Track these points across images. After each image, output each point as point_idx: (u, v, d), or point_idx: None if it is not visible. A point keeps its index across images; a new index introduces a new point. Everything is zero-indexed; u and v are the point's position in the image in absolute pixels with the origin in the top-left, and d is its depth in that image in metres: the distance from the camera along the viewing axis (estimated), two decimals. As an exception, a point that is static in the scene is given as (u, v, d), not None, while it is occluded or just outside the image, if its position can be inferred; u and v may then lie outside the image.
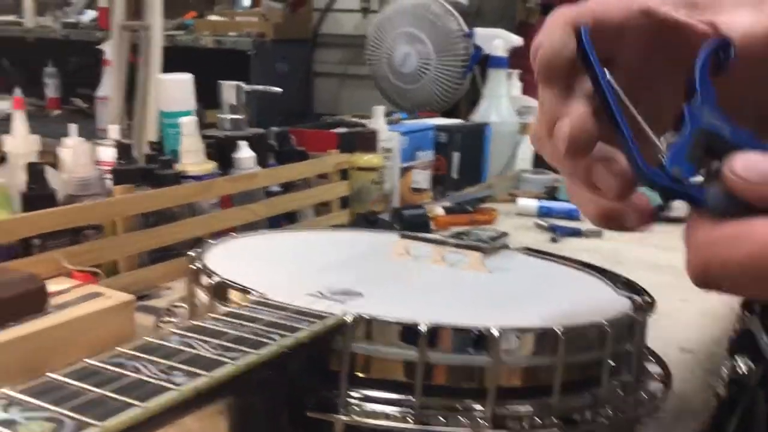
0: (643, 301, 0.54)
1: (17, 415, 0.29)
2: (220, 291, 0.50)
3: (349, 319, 0.43)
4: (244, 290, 0.48)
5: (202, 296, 0.52)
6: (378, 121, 1.19)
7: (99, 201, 0.77)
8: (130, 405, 0.30)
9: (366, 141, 1.13)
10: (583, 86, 0.37)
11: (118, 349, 0.36)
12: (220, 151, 0.95)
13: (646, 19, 0.37)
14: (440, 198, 1.29)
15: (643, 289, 0.57)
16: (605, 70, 0.36)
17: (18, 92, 3.24)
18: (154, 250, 0.84)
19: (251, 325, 0.41)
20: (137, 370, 0.34)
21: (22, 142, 0.78)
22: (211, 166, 0.91)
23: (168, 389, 0.32)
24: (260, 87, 1.09)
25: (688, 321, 0.75)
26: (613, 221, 0.39)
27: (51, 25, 3.17)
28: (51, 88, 3.18)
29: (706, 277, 0.32)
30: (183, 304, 0.63)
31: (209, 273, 0.51)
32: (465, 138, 1.33)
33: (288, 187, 1.04)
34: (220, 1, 3.04)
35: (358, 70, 2.49)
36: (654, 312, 0.53)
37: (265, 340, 0.39)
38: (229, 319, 0.42)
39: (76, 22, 3.13)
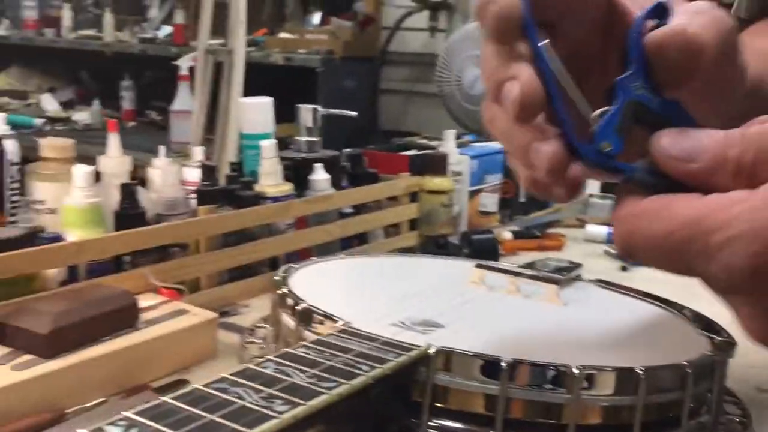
0: (722, 341, 0.54)
1: (138, 437, 0.32)
2: (306, 317, 0.52)
3: (432, 351, 0.45)
4: (331, 318, 0.50)
5: (288, 321, 0.54)
6: (448, 144, 1.21)
7: (185, 221, 0.81)
8: None
9: (436, 164, 1.14)
10: (529, 48, 0.36)
11: (223, 375, 0.38)
12: (297, 173, 0.98)
13: None
14: (507, 221, 1.30)
15: (722, 328, 0.57)
16: (546, 41, 0.35)
17: (96, 104, 3.38)
18: (233, 268, 0.87)
19: (342, 355, 0.43)
20: (241, 397, 0.36)
21: (116, 163, 0.82)
22: (288, 187, 0.94)
23: (271, 417, 0.34)
24: (336, 111, 1.12)
25: (765, 360, 0.74)
26: (540, 191, 0.39)
27: (129, 40, 3.30)
28: (127, 101, 3.31)
29: (629, 248, 0.32)
30: (265, 325, 0.66)
31: (296, 299, 0.54)
32: (534, 162, 1.33)
33: (359, 209, 1.07)
34: (290, 19, 3.12)
35: (425, 87, 2.52)
36: (734, 352, 0.53)
37: (355, 371, 0.41)
38: (319, 347, 0.44)
39: (153, 37, 3.25)
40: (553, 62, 0.35)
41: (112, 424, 0.32)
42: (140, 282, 0.74)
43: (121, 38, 3.32)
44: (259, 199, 0.90)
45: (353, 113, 1.14)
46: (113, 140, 0.82)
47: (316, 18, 3.00)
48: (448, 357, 0.45)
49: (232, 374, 0.38)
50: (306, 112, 1.04)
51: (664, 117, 0.34)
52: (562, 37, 0.38)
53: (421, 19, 2.62)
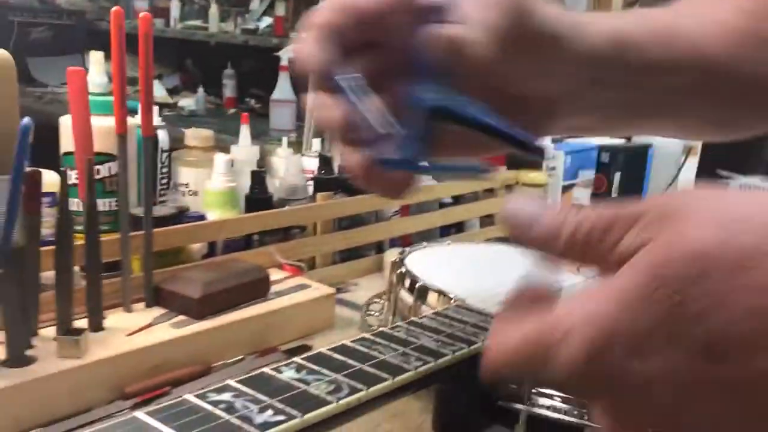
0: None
1: (307, 377, 0.40)
2: (423, 294, 0.59)
3: (538, 327, 0.51)
4: (446, 295, 0.57)
5: (406, 296, 0.62)
6: (544, 139, 1.26)
7: (306, 205, 0.90)
8: (384, 379, 0.40)
9: (533, 159, 1.20)
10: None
11: (364, 335, 0.46)
12: (402, 164, 1.06)
13: (402, 4, 0.37)
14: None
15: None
16: (352, 76, 0.36)
17: (201, 91, 3.54)
18: (344, 249, 0.96)
19: (459, 326, 0.50)
20: (381, 353, 0.44)
21: (247, 152, 0.92)
22: (395, 178, 1.02)
23: (406, 370, 0.42)
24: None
25: None
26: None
27: (232, 30, 3.46)
28: (228, 88, 3.47)
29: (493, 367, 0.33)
30: (378, 300, 0.74)
31: (413, 277, 0.61)
32: (627, 158, 1.36)
33: (458, 199, 1.14)
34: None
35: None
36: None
37: (473, 338, 0.48)
38: (440, 318, 0.51)
39: (254, 28, 3.39)
40: (356, 93, 0.36)
41: (286, 365, 0.40)
42: (267, 258, 0.84)
43: (224, 29, 3.48)
44: (369, 187, 0.98)
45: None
46: (244, 131, 0.91)
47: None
48: (551, 333, 0.51)
49: (372, 334, 0.46)
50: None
51: (459, 115, 0.34)
52: (388, 53, 0.39)
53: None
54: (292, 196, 0.91)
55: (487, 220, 1.19)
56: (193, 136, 0.86)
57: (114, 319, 0.67)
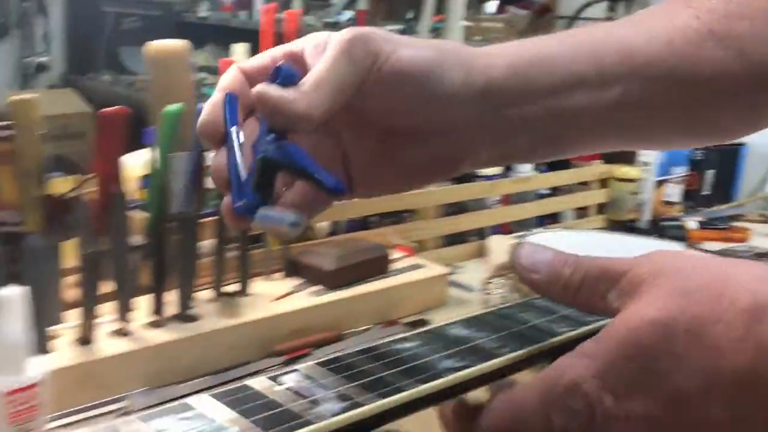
0: None
1: (474, 334, 0.45)
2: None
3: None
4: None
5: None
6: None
7: (417, 191, 0.96)
8: (541, 340, 0.44)
9: (627, 153, 1.23)
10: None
11: (476, 314, 0.48)
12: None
13: (270, 65, 0.39)
14: (690, 213, 1.35)
15: None
16: (236, 135, 0.39)
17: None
18: (449, 234, 1.02)
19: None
20: (529, 319, 0.48)
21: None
22: (498, 168, 1.07)
23: (558, 333, 0.45)
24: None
25: None
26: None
27: (314, 23, 3.56)
28: (308, 80, 3.56)
29: None
30: (494, 280, 0.79)
31: (538, 258, 0.66)
32: (720, 156, 1.37)
33: (554, 191, 1.18)
34: (468, 7, 3.23)
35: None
36: None
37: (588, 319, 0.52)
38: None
39: (335, 21, 3.48)
40: (231, 147, 0.39)
41: (453, 323, 0.46)
42: (383, 238, 0.90)
43: (307, 22, 3.58)
44: (474, 177, 1.03)
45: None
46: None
47: (493, 6, 3.10)
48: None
49: (517, 303, 0.51)
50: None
51: (288, 162, 0.36)
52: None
53: (599, 9, 2.65)
54: (404, 182, 0.97)
55: (580, 212, 1.23)
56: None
57: (258, 286, 0.74)
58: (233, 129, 0.39)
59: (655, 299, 0.32)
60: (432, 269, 0.85)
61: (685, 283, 0.32)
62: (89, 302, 0.58)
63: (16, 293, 0.47)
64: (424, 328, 0.46)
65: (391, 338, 0.44)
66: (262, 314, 0.69)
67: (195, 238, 0.65)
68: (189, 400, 0.34)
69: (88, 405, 0.57)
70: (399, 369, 0.39)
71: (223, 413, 0.33)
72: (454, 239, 1.04)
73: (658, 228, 1.09)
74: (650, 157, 1.28)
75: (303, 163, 0.36)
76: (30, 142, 0.56)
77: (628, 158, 1.23)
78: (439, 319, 0.82)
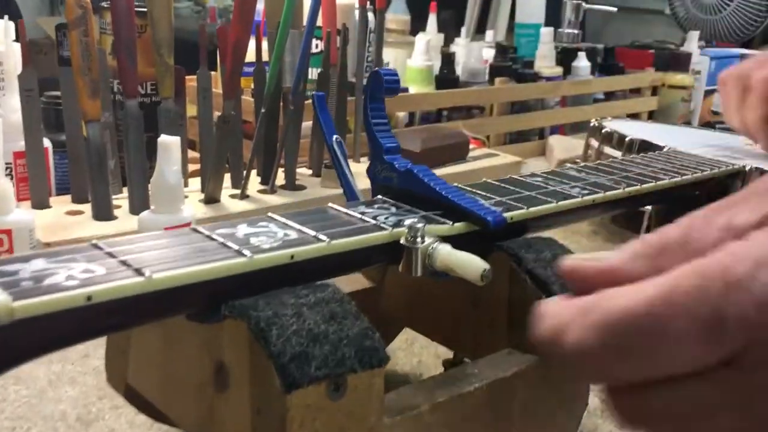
0: None
1: (549, 181, 0.50)
2: (635, 146, 0.69)
3: (747, 168, 0.61)
4: (656, 145, 0.67)
5: (612, 151, 0.72)
6: (691, 44, 1.31)
7: (487, 87, 1.00)
8: (547, 201, 0.43)
9: (680, 62, 1.26)
10: None
11: (534, 172, 0.50)
12: (563, 59, 1.14)
13: None
14: (736, 122, 1.38)
15: None
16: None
17: None
18: (512, 132, 1.06)
19: (674, 162, 0.59)
20: (547, 184, 0.49)
21: (435, 37, 1.02)
22: (559, 70, 1.11)
23: (575, 197, 0.48)
24: (596, 6, 1.25)
25: None
26: None
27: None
28: None
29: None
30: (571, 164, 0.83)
31: (622, 135, 0.71)
32: (768, 68, 1.39)
33: (608, 97, 1.21)
34: None
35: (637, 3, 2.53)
36: None
37: (691, 170, 0.57)
38: (651, 158, 0.61)
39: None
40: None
41: (531, 175, 0.50)
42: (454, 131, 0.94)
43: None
44: (537, 77, 1.07)
45: (613, 8, 1.26)
46: (432, 18, 1.01)
47: None
48: (759, 173, 0.60)
49: (542, 172, 0.52)
50: (570, 7, 1.19)
51: (405, 186, 0.37)
52: None
53: None
54: (473, 79, 1.01)
55: (631, 118, 1.27)
56: (394, 20, 0.97)
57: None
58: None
59: None
60: (506, 158, 0.90)
61: None
62: (219, 162, 0.64)
63: (172, 139, 0.52)
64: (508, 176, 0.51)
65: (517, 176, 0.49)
66: (360, 186, 0.74)
67: (302, 114, 0.70)
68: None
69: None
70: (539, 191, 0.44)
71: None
72: (517, 137, 1.08)
73: (712, 128, 1.12)
74: (702, 65, 1.31)
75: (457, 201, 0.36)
76: (162, 13, 0.60)
77: (680, 66, 1.26)
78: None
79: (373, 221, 0.35)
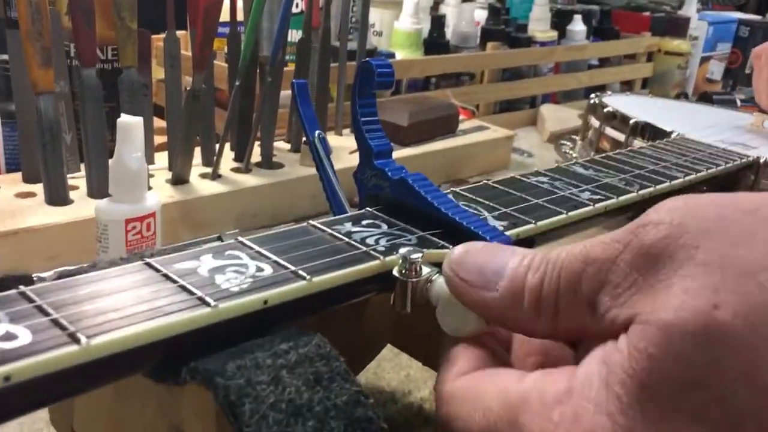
0: None
1: (555, 182, 0.45)
2: (639, 130, 0.64)
3: (762, 160, 0.56)
4: (664, 131, 0.62)
5: (614, 134, 0.67)
6: (690, 8, 1.25)
7: (479, 53, 0.94)
8: (558, 212, 0.38)
9: (678, 27, 1.20)
10: None
11: (539, 170, 0.45)
12: (557, 22, 1.08)
13: None
14: (729, 90, 1.34)
15: None
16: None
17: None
18: (503, 101, 1.00)
19: (687, 154, 0.55)
20: (554, 187, 0.42)
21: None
22: (554, 34, 1.04)
23: (586, 204, 0.40)
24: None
25: None
26: None
27: None
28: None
29: None
30: (568, 143, 0.79)
31: (626, 116, 0.66)
32: (766, 35, 1.34)
33: (602, 63, 1.16)
34: None
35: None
36: None
37: (698, 166, 0.53)
38: (661, 149, 0.56)
39: None
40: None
41: (534, 174, 0.46)
42: (444, 99, 0.89)
43: None
44: (531, 42, 1.01)
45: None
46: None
47: None
48: (773, 166, 0.56)
49: (546, 170, 0.45)
50: (567, -34, 1.12)
51: (397, 197, 0.34)
52: None
53: None
54: (463, 43, 0.94)
55: (625, 86, 1.22)
56: (382, -23, 0.90)
57: (330, 140, 0.74)
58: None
59: (683, 295, 0.20)
60: (497, 131, 0.85)
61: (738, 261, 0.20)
62: (188, 140, 0.58)
63: (134, 120, 0.46)
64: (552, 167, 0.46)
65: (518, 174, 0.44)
66: (340, 165, 0.68)
67: (280, 85, 0.64)
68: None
69: (188, 242, 0.58)
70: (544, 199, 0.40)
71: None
72: (508, 106, 1.03)
73: (709, 101, 1.08)
74: (700, 31, 1.26)
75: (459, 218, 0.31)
76: (124, -29, 0.54)
77: (678, 32, 1.20)
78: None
79: (362, 246, 0.30)
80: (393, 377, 0.45)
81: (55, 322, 0.21)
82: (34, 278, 0.51)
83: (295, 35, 0.79)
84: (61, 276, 0.27)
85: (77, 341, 0.21)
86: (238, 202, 0.61)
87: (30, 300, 0.22)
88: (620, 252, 0.22)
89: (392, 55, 0.86)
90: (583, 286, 0.22)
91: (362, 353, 0.42)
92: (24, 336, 0.21)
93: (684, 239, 0.20)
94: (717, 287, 0.19)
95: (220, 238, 0.59)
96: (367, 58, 0.35)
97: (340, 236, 0.31)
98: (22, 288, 0.23)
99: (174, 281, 0.25)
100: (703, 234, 0.20)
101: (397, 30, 0.88)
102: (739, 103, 1.20)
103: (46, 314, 0.22)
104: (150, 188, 0.58)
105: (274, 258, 0.28)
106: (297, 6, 0.76)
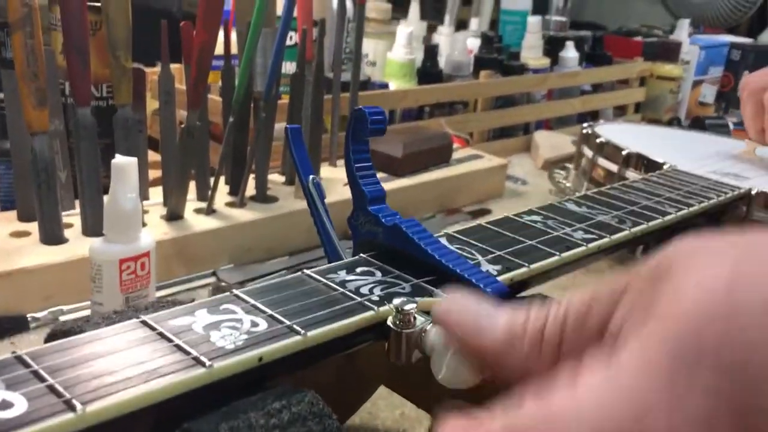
0: None
1: (547, 221, 0.46)
2: (632, 161, 0.64)
3: (754, 192, 0.57)
4: (656, 163, 0.62)
5: (607, 164, 0.67)
6: (682, 32, 1.26)
7: (473, 81, 0.94)
8: (552, 254, 0.38)
9: (670, 51, 1.21)
10: None
11: (533, 209, 0.45)
12: (550, 49, 1.09)
13: None
14: (722, 113, 1.35)
15: None
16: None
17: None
18: (496, 128, 1.01)
19: (679, 188, 0.55)
20: (546, 227, 0.42)
21: (417, 27, 0.96)
22: (546, 61, 1.05)
23: (579, 245, 0.40)
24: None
25: None
26: None
27: None
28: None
29: None
30: (562, 172, 0.79)
31: (619, 147, 0.66)
32: (757, 57, 1.36)
33: (595, 89, 1.17)
34: None
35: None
36: None
37: (691, 200, 0.53)
38: (654, 181, 0.56)
39: None
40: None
41: (528, 213, 0.46)
42: (437, 128, 0.89)
43: None
44: (524, 69, 1.02)
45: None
46: (414, 6, 0.95)
47: None
48: (765, 197, 0.57)
49: (539, 208, 0.45)
50: (558, -7, 1.13)
51: (391, 243, 0.34)
52: None
53: None
54: (456, 72, 0.95)
55: (618, 111, 1.23)
56: (374, 8, 0.91)
57: (324, 171, 0.74)
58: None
59: (694, 274, 0.20)
60: (491, 160, 0.85)
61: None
62: (182, 177, 0.58)
63: (128, 162, 0.46)
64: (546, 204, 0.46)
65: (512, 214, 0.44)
66: (336, 198, 0.69)
67: (274, 119, 0.64)
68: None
69: (183, 278, 0.58)
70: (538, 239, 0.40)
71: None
72: (501, 133, 1.03)
73: (702, 127, 1.08)
74: (692, 55, 1.27)
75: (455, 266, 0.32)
76: (120, 12, 0.54)
77: (670, 56, 1.21)
78: (498, 208, 0.83)
79: (357, 297, 0.30)
80: (387, 416, 0.45)
81: (51, 389, 0.21)
82: (29, 319, 0.51)
83: (288, 67, 0.79)
84: (54, 334, 0.27)
85: (73, 409, 0.21)
86: (232, 236, 0.61)
87: (26, 365, 0.22)
88: (628, 282, 0.22)
89: (386, 85, 0.86)
90: (592, 321, 0.23)
91: (357, 395, 0.42)
92: (20, 404, 0.21)
93: (685, 246, 0.22)
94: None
95: (214, 274, 0.60)
96: (359, 107, 0.36)
97: (335, 286, 0.31)
98: (18, 352, 0.23)
99: (169, 340, 0.25)
100: (702, 242, 0.22)
101: (390, 60, 0.89)
102: (731, 126, 1.21)
103: (42, 380, 0.22)
104: (144, 224, 0.58)
105: (269, 312, 0.28)
106: (291, 38, 0.77)
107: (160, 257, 0.55)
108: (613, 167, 0.66)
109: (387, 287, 0.31)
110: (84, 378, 0.22)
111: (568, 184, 0.74)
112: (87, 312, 0.50)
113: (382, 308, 0.29)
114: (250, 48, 0.58)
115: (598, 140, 0.69)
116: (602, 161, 0.68)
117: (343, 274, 0.32)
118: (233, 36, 0.66)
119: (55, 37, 0.60)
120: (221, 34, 0.61)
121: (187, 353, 0.24)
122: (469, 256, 0.36)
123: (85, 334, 0.25)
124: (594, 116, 1.18)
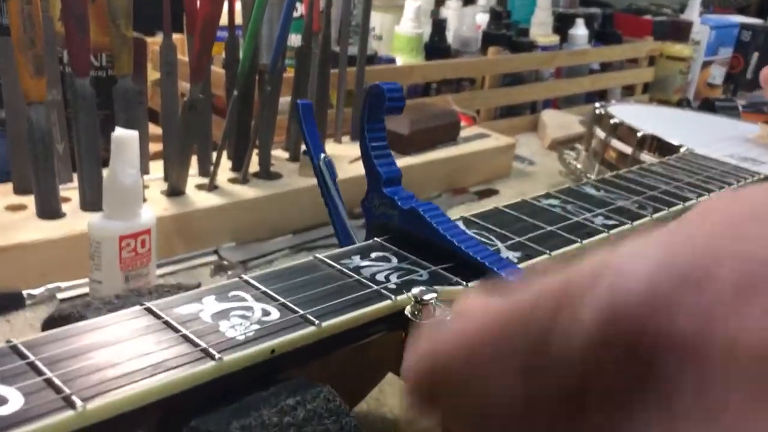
0: None
1: (566, 205, 0.44)
2: (647, 143, 0.63)
3: (775, 177, 0.55)
4: (673, 146, 0.61)
5: (621, 146, 0.65)
6: (693, 12, 1.24)
7: (481, 58, 0.92)
8: (572, 241, 0.37)
9: (680, 31, 1.19)
10: None
11: (550, 192, 0.44)
12: (559, 26, 1.06)
13: None
14: (730, 95, 1.33)
15: None
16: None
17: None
18: (503, 107, 0.99)
19: (697, 173, 0.53)
20: (566, 211, 0.41)
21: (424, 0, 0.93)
22: (556, 38, 1.03)
23: (600, 231, 0.39)
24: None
25: None
26: None
27: None
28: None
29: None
30: (572, 152, 0.77)
31: (633, 128, 0.64)
32: (766, 38, 1.33)
33: (604, 68, 1.14)
34: None
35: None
36: None
37: (710, 185, 0.51)
38: (664, 170, 0.55)
39: None
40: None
41: (545, 196, 0.44)
42: (445, 105, 0.87)
43: None
44: (533, 46, 1.00)
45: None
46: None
47: None
48: (784, 184, 0.55)
49: (556, 191, 0.45)
50: (569, -31, 1.10)
51: (407, 228, 0.33)
52: None
53: None
54: (464, 48, 0.93)
55: (626, 91, 1.20)
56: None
57: (329, 147, 0.72)
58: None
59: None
60: (498, 139, 0.83)
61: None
62: (184, 152, 0.56)
63: (129, 135, 0.44)
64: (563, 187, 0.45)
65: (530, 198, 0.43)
66: (342, 175, 0.67)
67: (279, 92, 0.62)
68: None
69: (185, 256, 0.56)
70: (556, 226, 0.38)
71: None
72: (508, 111, 1.01)
73: (712, 108, 1.07)
74: (702, 35, 1.24)
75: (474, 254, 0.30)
76: (120, -24, 0.52)
77: (680, 36, 1.19)
78: (505, 189, 0.82)
79: (373, 284, 0.28)
80: (395, 403, 0.44)
81: (49, 383, 0.20)
82: (25, 296, 0.49)
83: (294, 39, 0.77)
84: (53, 320, 0.25)
85: (72, 406, 0.19)
86: (235, 214, 0.59)
87: (22, 356, 0.21)
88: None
89: (393, 60, 0.84)
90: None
91: (365, 382, 0.41)
92: (15, 400, 0.19)
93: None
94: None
95: (216, 252, 0.58)
96: (376, 82, 0.34)
97: (349, 272, 0.29)
98: (13, 341, 0.21)
99: (176, 330, 0.23)
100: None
101: (397, 34, 0.86)
102: (740, 108, 1.19)
103: (40, 373, 0.20)
104: (145, 200, 0.56)
105: (281, 300, 0.26)
106: (297, 10, 0.74)
107: (161, 234, 0.54)
108: (627, 149, 0.64)
109: (404, 274, 0.30)
110: (84, 371, 0.21)
111: (578, 166, 0.72)
112: (85, 290, 0.49)
113: (399, 297, 0.28)
114: (257, 20, 0.56)
115: (611, 121, 0.67)
116: (615, 143, 0.66)
117: (357, 260, 0.31)
118: (238, 6, 0.64)
119: (53, 3, 0.58)
120: (225, 3, 0.58)
121: (196, 345, 0.23)
122: (488, 241, 0.35)
123: (86, 321, 0.23)
124: (602, 95, 1.16)
